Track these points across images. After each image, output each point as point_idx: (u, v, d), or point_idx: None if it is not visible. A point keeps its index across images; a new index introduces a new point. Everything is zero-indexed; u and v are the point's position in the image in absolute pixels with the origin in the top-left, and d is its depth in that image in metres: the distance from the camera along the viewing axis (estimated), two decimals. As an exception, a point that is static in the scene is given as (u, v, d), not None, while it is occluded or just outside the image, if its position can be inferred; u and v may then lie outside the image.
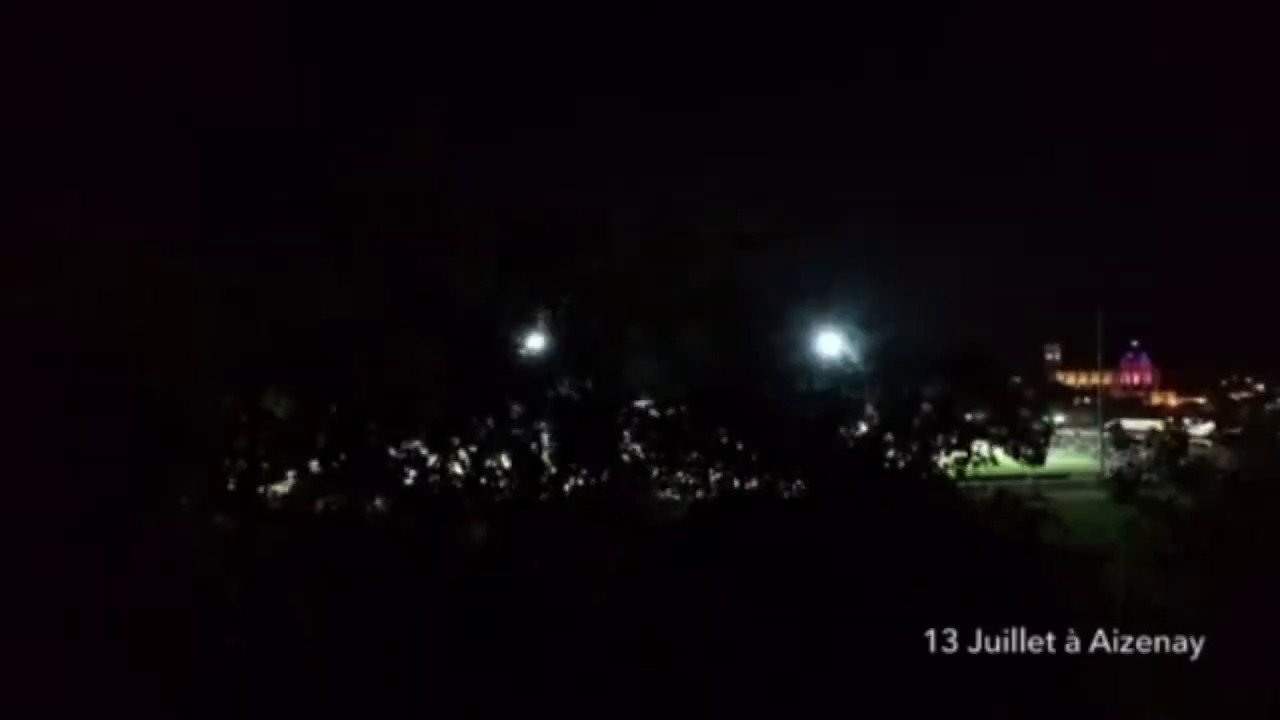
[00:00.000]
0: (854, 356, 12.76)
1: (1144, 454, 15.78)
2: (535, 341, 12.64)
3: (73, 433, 11.31)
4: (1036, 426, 12.69)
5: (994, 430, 12.48)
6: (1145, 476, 14.69)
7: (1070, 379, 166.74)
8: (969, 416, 12.77)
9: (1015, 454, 12.42)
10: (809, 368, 12.72)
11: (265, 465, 11.89)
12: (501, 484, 12.19)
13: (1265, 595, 13.28)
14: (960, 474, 12.37)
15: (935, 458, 12.66)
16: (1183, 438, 15.01)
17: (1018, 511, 12.40)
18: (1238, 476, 14.27)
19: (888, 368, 12.57)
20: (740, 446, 12.68)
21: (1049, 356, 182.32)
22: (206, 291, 11.89)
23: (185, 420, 11.74)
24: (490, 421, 12.38)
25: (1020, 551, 12.15)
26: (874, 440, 12.60)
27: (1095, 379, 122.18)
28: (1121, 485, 14.13)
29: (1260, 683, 12.84)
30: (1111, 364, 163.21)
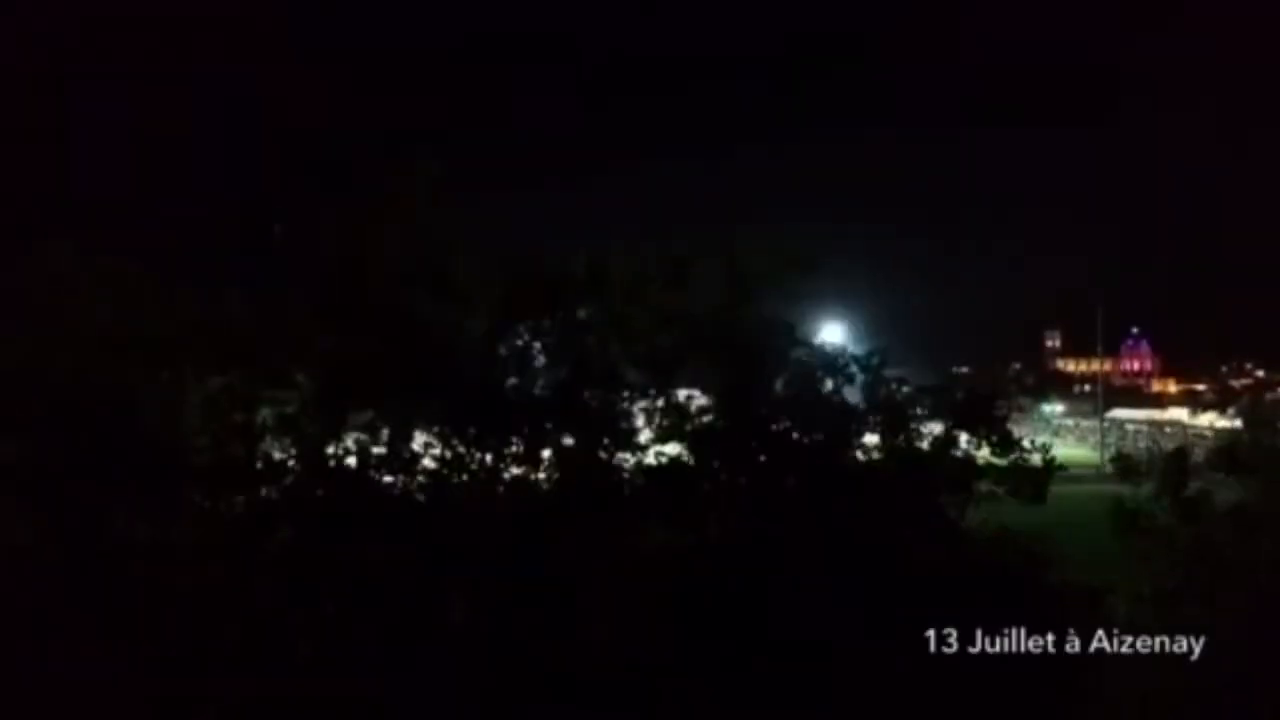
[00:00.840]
0: (853, 397, 12.77)
1: (1144, 463, 15.70)
2: (534, 382, 12.66)
3: (70, 481, 11.35)
4: (1036, 462, 12.65)
5: (994, 470, 12.48)
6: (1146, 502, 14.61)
7: (1071, 366, 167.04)
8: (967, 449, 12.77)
9: (1015, 493, 12.43)
10: (808, 406, 12.71)
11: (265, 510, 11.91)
12: (500, 526, 12.18)
13: (1266, 621, 13.31)
14: (961, 514, 12.38)
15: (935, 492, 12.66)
16: (1185, 465, 14.89)
17: (1019, 547, 12.41)
18: (1243, 509, 14.16)
19: (887, 408, 12.58)
20: (740, 483, 12.69)
21: (1049, 344, 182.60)
22: (204, 334, 11.90)
23: (184, 464, 11.78)
24: (488, 460, 12.40)
25: (1020, 589, 12.16)
26: (873, 479, 12.59)
27: (1096, 366, 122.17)
28: (1122, 518, 14.04)
29: (1259, 703, 12.90)
30: (1112, 351, 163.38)
